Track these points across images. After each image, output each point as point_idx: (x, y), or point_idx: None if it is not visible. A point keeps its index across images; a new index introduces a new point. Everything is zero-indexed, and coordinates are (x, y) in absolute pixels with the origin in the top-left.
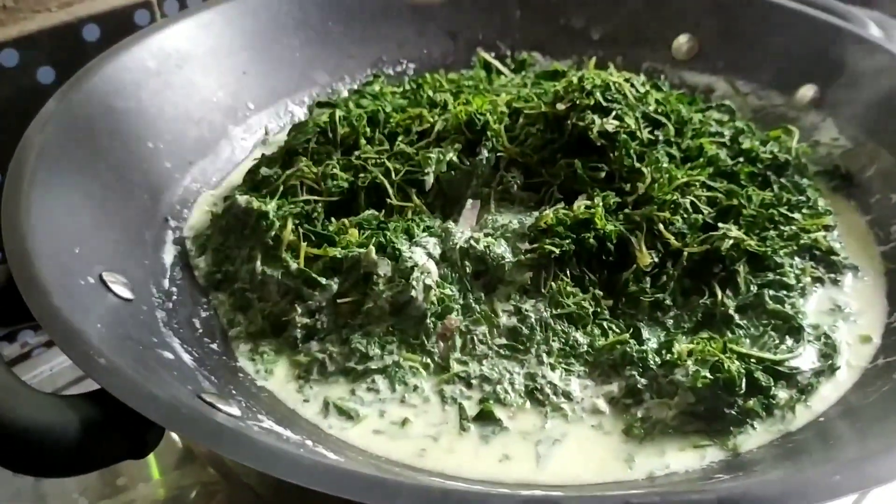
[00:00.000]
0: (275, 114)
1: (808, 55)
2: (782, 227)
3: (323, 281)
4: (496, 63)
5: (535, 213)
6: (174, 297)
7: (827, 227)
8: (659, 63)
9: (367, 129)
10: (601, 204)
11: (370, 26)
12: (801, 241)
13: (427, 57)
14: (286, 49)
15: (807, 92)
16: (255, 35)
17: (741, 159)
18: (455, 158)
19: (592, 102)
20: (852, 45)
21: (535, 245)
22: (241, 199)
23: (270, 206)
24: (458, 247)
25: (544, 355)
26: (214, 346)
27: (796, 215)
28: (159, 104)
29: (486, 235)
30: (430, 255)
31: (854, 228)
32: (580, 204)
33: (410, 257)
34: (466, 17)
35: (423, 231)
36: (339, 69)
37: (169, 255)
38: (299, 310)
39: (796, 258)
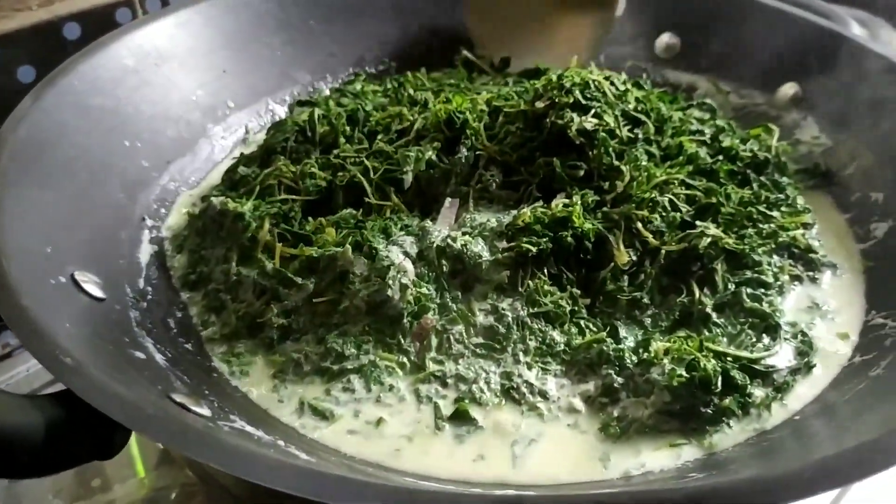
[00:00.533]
0: (255, 112)
1: (789, 54)
2: (761, 225)
3: (299, 280)
4: (478, 62)
5: (514, 212)
6: (149, 297)
7: (805, 225)
8: (641, 62)
9: (347, 128)
10: (579, 202)
11: (352, 25)
12: (780, 239)
13: (410, 55)
14: (267, 47)
15: (788, 90)
16: (236, 33)
17: (721, 157)
18: (434, 157)
19: (571, 100)
20: (834, 44)
21: (513, 244)
22: (217, 200)
23: (246, 207)
24: (434, 245)
25: (521, 354)
26: (189, 346)
27: (775, 213)
28: (137, 102)
29: (464, 234)
30: (406, 253)
31: (833, 226)
32: (558, 202)
33: (387, 256)
34: (449, 15)
35: (401, 230)
36: (320, 68)
37: (145, 254)
38: (275, 310)
39: (774, 256)
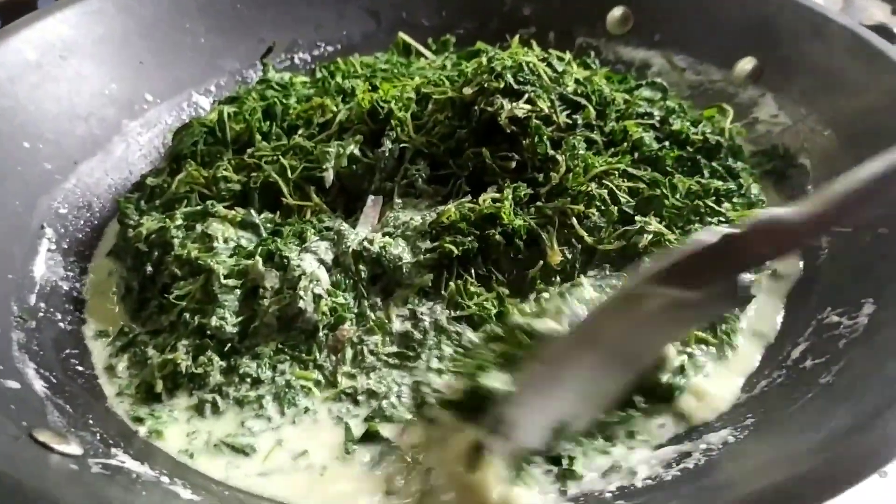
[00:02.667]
0: (177, 106)
1: (747, 26)
2: (708, 219)
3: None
4: (416, 45)
5: (441, 208)
6: (40, 315)
7: None
8: (593, 38)
9: (263, 124)
10: (510, 197)
11: (284, 8)
12: None
13: (347, 39)
14: (189, 35)
15: (746, 65)
16: (154, 21)
17: (669, 143)
18: (357, 151)
19: (502, 85)
20: (794, 15)
21: (437, 244)
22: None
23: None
24: (350, 250)
25: (435, 360)
26: (81, 367)
27: (725, 206)
28: (39, 100)
29: (385, 235)
30: (321, 261)
31: None
32: (486, 197)
33: (299, 265)
34: None
35: (318, 233)
36: (249, 55)
37: (41, 267)
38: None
39: None
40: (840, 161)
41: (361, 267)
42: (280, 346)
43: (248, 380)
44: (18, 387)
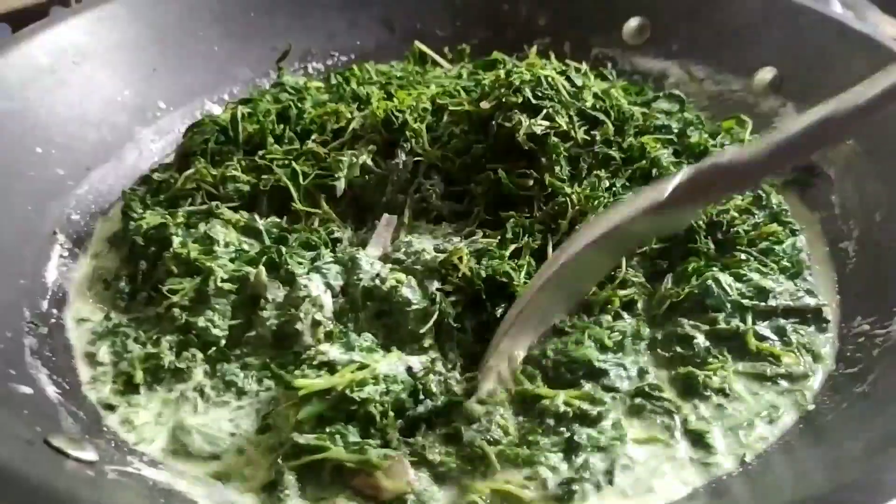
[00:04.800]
0: (190, 114)
1: (766, 36)
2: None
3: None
4: (432, 54)
5: (453, 244)
6: (52, 321)
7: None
8: (609, 49)
9: (277, 127)
10: (527, 258)
11: (296, 17)
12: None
13: (361, 49)
14: (202, 43)
15: (765, 75)
16: (167, 28)
17: (686, 158)
18: (370, 161)
19: (520, 100)
20: (814, 24)
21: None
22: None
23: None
24: (361, 286)
25: None
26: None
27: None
28: (51, 105)
29: (396, 263)
30: (328, 285)
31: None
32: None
33: (306, 286)
34: (403, 4)
35: (326, 246)
36: (262, 64)
37: (53, 272)
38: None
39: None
40: (863, 169)
41: (368, 304)
42: (268, 361)
43: (233, 389)
44: (31, 392)
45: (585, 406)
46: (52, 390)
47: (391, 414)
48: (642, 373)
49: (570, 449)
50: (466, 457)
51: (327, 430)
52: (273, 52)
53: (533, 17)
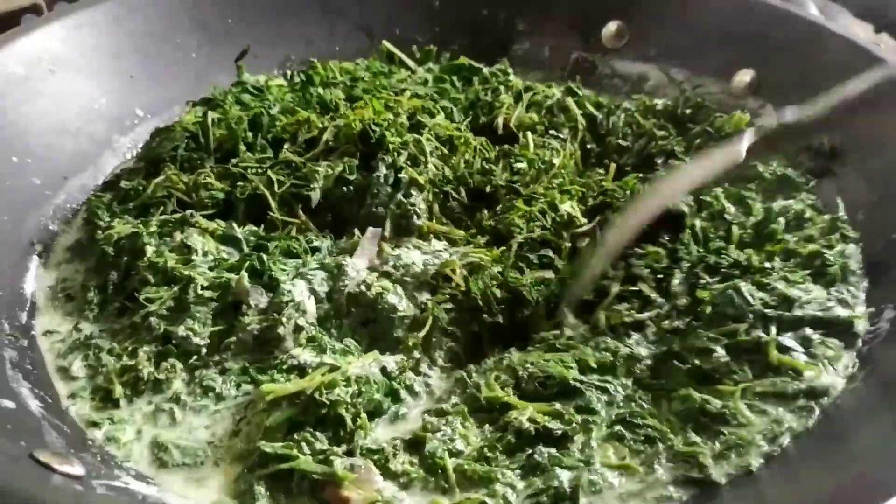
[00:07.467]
0: (168, 121)
1: (743, 38)
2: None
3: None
4: (401, 55)
5: (444, 257)
6: (32, 333)
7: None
8: (589, 53)
9: (248, 134)
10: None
11: (275, 24)
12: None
13: (340, 55)
14: (180, 50)
15: (744, 77)
16: (145, 35)
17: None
18: (347, 173)
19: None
20: (791, 27)
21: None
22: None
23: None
24: (346, 292)
25: None
26: None
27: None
28: (27, 114)
29: (384, 275)
30: (313, 291)
31: None
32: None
33: (289, 291)
34: (381, 10)
35: (306, 253)
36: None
37: (31, 283)
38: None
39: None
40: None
41: (353, 310)
42: (247, 365)
43: (211, 394)
44: (14, 406)
45: (551, 425)
46: (34, 404)
47: (363, 416)
48: (629, 399)
49: (530, 467)
50: (428, 468)
51: (295, 436)
52: (252, 59)
53: (512, 22)
